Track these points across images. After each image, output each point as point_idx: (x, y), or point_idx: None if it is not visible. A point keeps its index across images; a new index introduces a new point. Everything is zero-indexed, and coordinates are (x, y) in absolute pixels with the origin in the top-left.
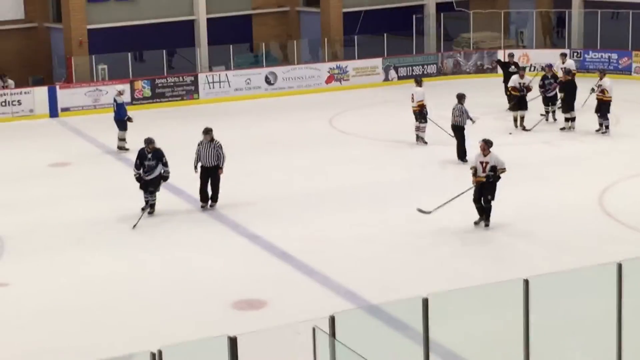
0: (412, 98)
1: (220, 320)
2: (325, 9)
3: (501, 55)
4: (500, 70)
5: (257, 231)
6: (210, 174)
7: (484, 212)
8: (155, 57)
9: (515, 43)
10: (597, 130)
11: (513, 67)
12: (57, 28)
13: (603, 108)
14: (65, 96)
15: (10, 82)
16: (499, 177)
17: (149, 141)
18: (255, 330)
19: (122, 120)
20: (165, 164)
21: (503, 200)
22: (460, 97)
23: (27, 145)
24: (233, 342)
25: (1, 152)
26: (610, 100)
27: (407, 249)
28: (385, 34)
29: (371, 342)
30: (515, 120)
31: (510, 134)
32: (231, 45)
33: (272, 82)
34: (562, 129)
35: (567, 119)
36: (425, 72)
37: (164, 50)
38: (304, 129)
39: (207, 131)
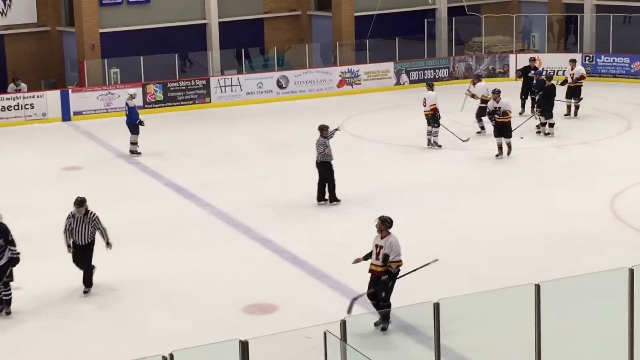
0: (425, 102)
1: (232, 324)
2: (336, 13)
3: (512, 59)
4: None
5: (268, 235)
6: (85, 252)
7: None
8: (167, 60)
9: (527, 47)
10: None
11: (532, 71)
12: (69, 32)
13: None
14: (78, 100)
15: (23, 85)
16: (396, 272)
17: None
18: (266, 334)
19: (134, 124)
20: (12, 243)
21: (514, 204)
22: (322, 129)
23: (40, 149)
24: (244, 346)
25: (15, 156)
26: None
27: (420, 254)
28: (396, 38)
29: (382, 347)
30: (499, 147)
31: (521, 137)
32: (243, 49)
33: (283, 85)
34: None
35: (549, 124)
36: (436, 76)
37: (176, 54)
38: (316, 132)
39: (80, 203)
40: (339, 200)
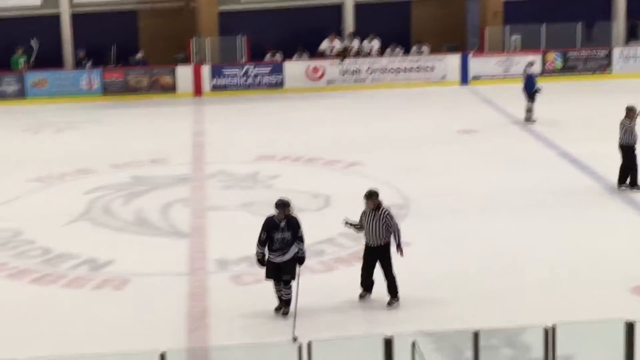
0: None
1: (617, 304)
2: None
3: None
4: None
5: None
6: (378, 256)
7: None
8: (570, 29)
9: None
10: None
11: None
12: None
13: None
14: (477, 65)
15: (425, 48)
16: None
17: (282, 204)
18: None
19: (531, 92)
20: (300, 239)
21: None
22: (628, 110)
23: (438, 111)
24: (630, 327)
25: (414, 116)
26: None
27: None
28: None
29: None
30: None
31: None
32: None
33: None
34: None
35: None
36: None
37: (580, 23)
38: None
39: (370, 195)
40: None
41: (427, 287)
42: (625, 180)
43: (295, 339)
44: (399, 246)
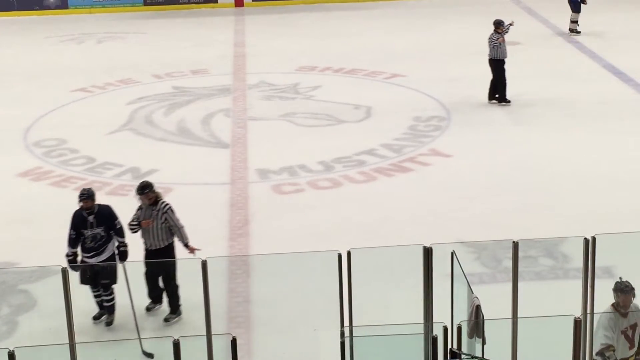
0: None
1: None
2: None
3: None
4: None
5: None
6: (160, 259)
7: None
8: None
9: None
10: None
11: None
12: None
13: None
14: None
15: None
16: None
17: (85, 195)
18: None
19: (576, 2)
20: (118, 232)
21: None
22: (497, 25)
23: (479, 21)
24: None
25: (454, 27)
26: None
27: None
28: None
29: None
30: None
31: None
32: None
33: None
34: None
35: None
36: None
37: None
38: None
39: (143, 189)
40: (508, 101)
41: (466, 197)
42: (495, 95)
43: (149, 355)
44: (186, 245)
